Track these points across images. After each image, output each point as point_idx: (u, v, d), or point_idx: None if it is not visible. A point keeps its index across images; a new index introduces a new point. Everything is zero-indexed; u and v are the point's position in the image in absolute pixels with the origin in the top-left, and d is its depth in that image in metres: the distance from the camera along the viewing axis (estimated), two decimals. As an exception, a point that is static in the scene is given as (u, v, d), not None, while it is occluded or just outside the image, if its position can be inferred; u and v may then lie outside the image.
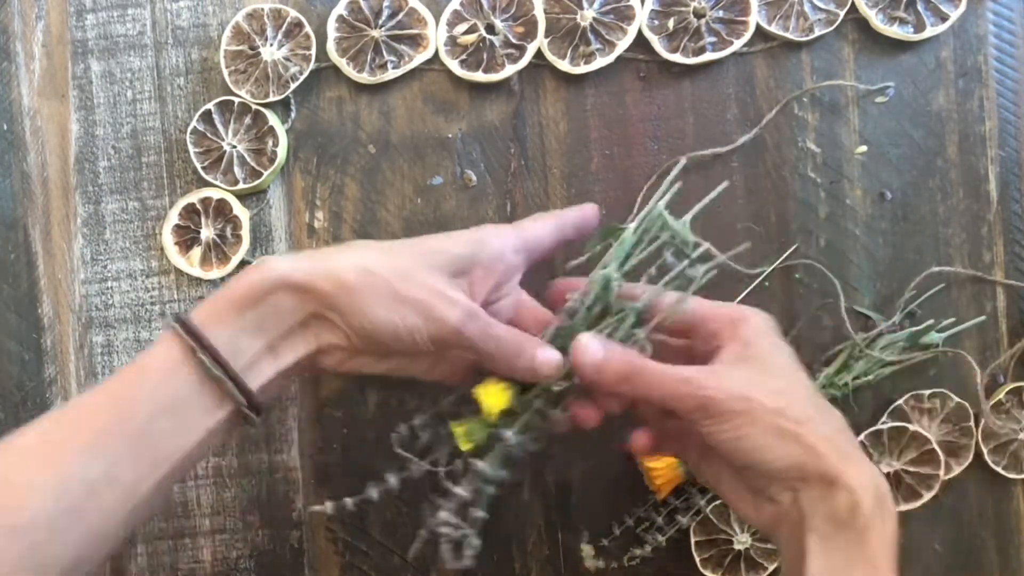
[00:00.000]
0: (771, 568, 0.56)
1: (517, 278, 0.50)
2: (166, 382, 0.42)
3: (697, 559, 0.56)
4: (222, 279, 0.58)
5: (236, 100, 0.57)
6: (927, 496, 0.56)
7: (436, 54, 0.57)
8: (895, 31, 0.56)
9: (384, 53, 0.57)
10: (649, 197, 0.53)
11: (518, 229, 0.49)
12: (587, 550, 0.58)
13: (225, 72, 0.57)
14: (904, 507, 0.56)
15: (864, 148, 0.57)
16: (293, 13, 0.57)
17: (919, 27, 0.56)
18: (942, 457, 0.56)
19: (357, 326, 0.43)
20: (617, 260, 0.47)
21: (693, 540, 0.56)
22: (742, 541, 0.56)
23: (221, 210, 0.58)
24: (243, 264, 0.58)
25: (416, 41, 0.57)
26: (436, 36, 0.57)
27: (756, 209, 0.57)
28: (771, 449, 0.42)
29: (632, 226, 0.48)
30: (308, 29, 0.57)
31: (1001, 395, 0.56)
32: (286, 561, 0.58)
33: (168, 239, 0.58)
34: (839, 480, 0.41)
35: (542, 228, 0.49)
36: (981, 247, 0.57)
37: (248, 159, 0.57)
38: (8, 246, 0.59)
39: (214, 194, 0.58)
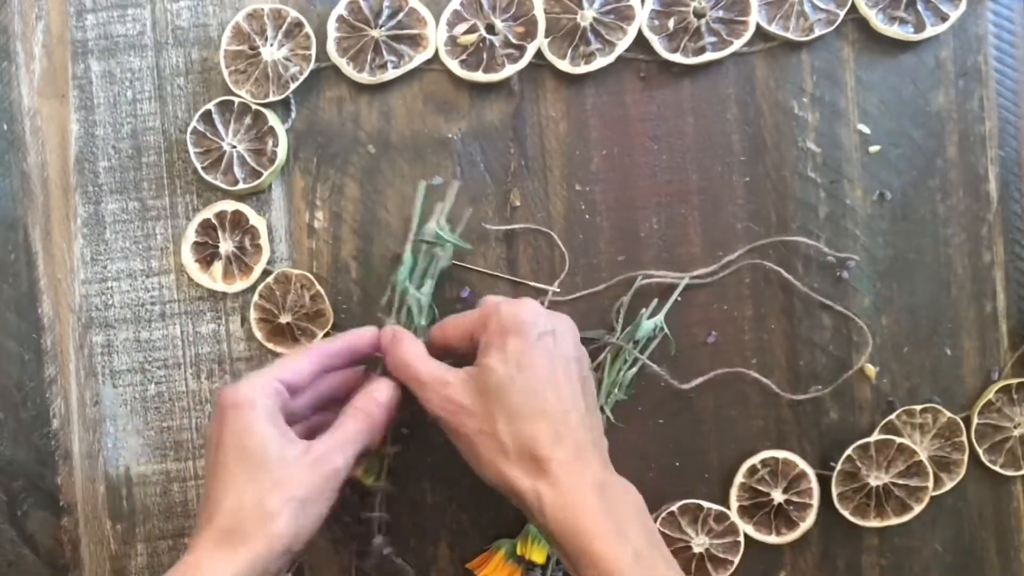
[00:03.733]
0: (736, 560, 0.56)
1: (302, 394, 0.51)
2: None
3: None
4: (247, 290, 0.58)
5: (236, 100, 0.57)
6: (917, 509, 0.56)
7: (436, 54, 0.57)
8: (895, 31, 0.56)
9: (384, 53, 0.57)
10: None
11: (274, 369, 0.49)
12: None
13: (225, 72, 0.57)
14: (894, 520, 0.56)
15: (877, 148, 0.57)
16: (293, 13, 0.57)
17: (919, 27, 0.56)
18: (930, 469, 0.56)
19: (303, 544, 0.47)
20: (407, 276, 0.54)
21: None
22: (700, 543, 0.56)
23: (237, 222, 0.58)
24: (266, 273, 0.58)
25: (416, 41, 0.57)
26: (436, 36, 0.57)
27: (756, 209, 0.57)
28: (477, 463, 0.48)
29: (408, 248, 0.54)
30: (308, 29, 0.57)
31: (991, 394, 0.56)
32: (286, 561, 0.58)
33: (188, 258, 0.58)
34: (514, 486, 0.46)
35: (299, 363, 0.50)
36: (981, 247, 0.57)
37: (248, 159, 0.57)
38: (8, 246, 0.59)
39: (228, 207, 0.58)
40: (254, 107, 0.57)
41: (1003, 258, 0.57)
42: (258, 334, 0.58)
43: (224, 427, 0.47)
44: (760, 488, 0.56)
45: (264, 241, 0.57)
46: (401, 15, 0.57)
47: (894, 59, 0.57)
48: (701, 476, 0.58)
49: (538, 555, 0.54)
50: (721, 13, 0.56)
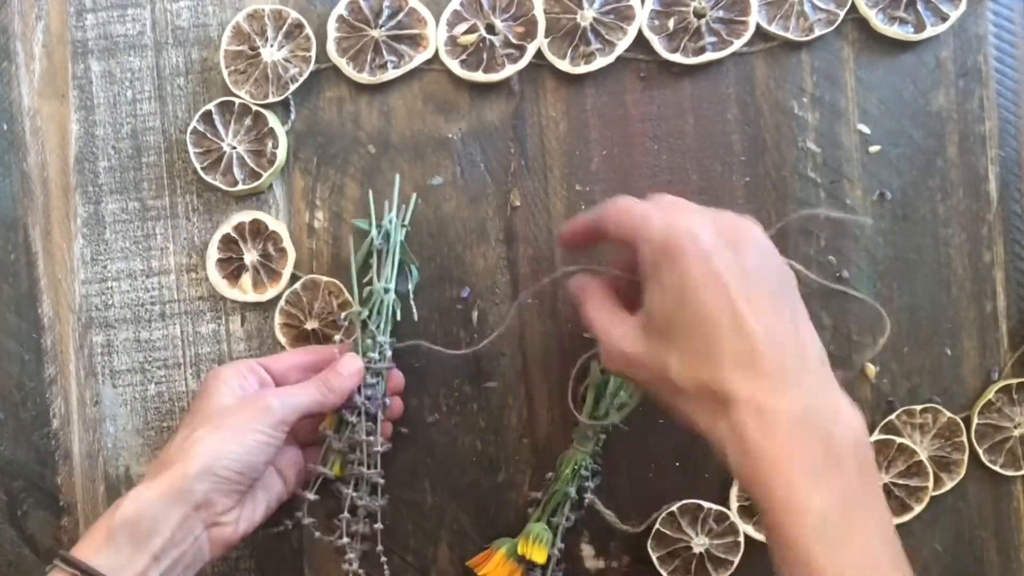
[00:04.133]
0: (736, 560, 0.56)
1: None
2: None
3: (664, 573, 0.56)
4: (278, 296, 0.58)
5: (236, 101, 0.57)
6: (917, 509, 0.56)
7: (436, 54, 0.57)
8: (895, 31, 0.56)
9: (384, 53, 0.57)
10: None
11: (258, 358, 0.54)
12: (587, 550, 0.58)
13: (225, 72, 0.57)
14: (894, 520, 0.56)
15: (877, 148, 0.57)
16: (294, 14, 0.57)
17: (919, 27, 0.56)
18: (930, 470, 0.56)
19: (234, 471, 0.48)
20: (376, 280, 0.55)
21: (654, 557, 0.56)
22: (700, 543, 0.56)
23: (257, 230, 0.57)
24: (295, 278, 0.57)
25: (416, 41, 0.57)
26: (436, 36, 0.57)
27: (756, 209, 0.57)
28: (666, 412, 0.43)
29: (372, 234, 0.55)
30: (308, 31, 0.57)
31: (991, 394, 0.56)
32: (286, 561, 0.58)
33: (215, 275, 0.58)
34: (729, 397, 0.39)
35: (281, 355, 0.55)
36: (981, 247, 0.57)
37: (248, 160, 0.57)
38: (8, 246, 0.59)
39: (244, 217, 0.57)
40: (254, 108, 0.57)
41: (1003, 258, 0.57)
42: (282, 339, 0.58)
43: (197, 395, 0.52)
44: (760, 488, 0.56)
45: (288, 244, 0.57)
46: (401, 15, 0.57)
47: (894, 59, 0.57)
48: (701, 476, 0.58)
49: (538, 555, 0.54)
50: (721, 13, 0.56)
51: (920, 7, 0.56)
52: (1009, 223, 0.57)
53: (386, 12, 0.57)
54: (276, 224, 0.57)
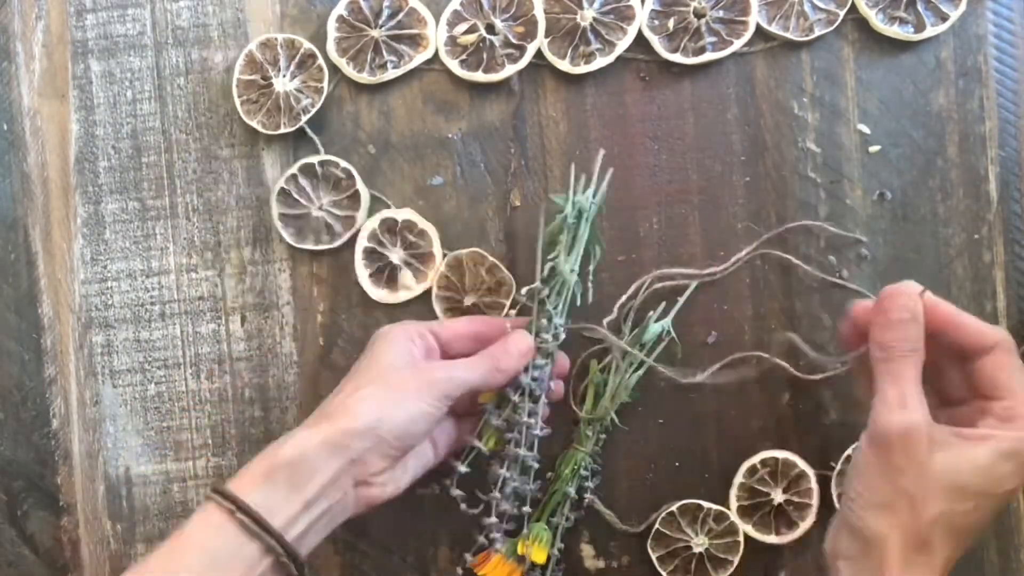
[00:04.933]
0: (735, 561, 0.56)
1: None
2: (209, 543, 0.44)
3: (664, 574, 0.56)
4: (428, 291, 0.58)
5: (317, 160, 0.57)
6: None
7: (436, 54, 0.57)
8: (895, 31, 0.56)
9: (384, 53, 0.57)
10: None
11: (429, 322, 0.54)
12: (587, 550, 0.58)
13: (237, 101, 0.57)
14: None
15: (877, 148, 0.57)
16: (307, 44, 0.57)
17: (919, 27, 0.56)
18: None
19: (394, 436, 0.48)
20: (567, 250, 0.53)
21: (654, 557, 0.56)
22: (699, 543, 0.56)
23: (388, 229, 0.57)
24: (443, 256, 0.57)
25: (416, 41, 0.57)
26: (436, 36, 0.57)
27: (756, 209, 0.57)
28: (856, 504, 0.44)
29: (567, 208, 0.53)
30: (321, 61, 0.57)
31: None
32: (286, 561, 0.58)
33: (373, 289, 0.57)
34: None
35: (454, 321, 0.54)
36: (981, 247, 0.57)
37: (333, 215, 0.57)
38: (8, 246, 0.59)
39: (373, 223, 0.57)
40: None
41: (1003, 258, 0.57)
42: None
43: (364, 353, 0.51)
44: (760, 488, 0.56)
45: (425, 225, 0.57)
46: (401, 15, 0.57)
47: (894, 59, 0.57)
48: (701, 476, 0.58)
49: (538, 555, 0.54)
50: (721, 13, 0.56)
51: (920, 7, 0.56)
52: (1009, 223, 0.57)
53: (386, 12, 0.57)
54: (403, 213, 0.57)
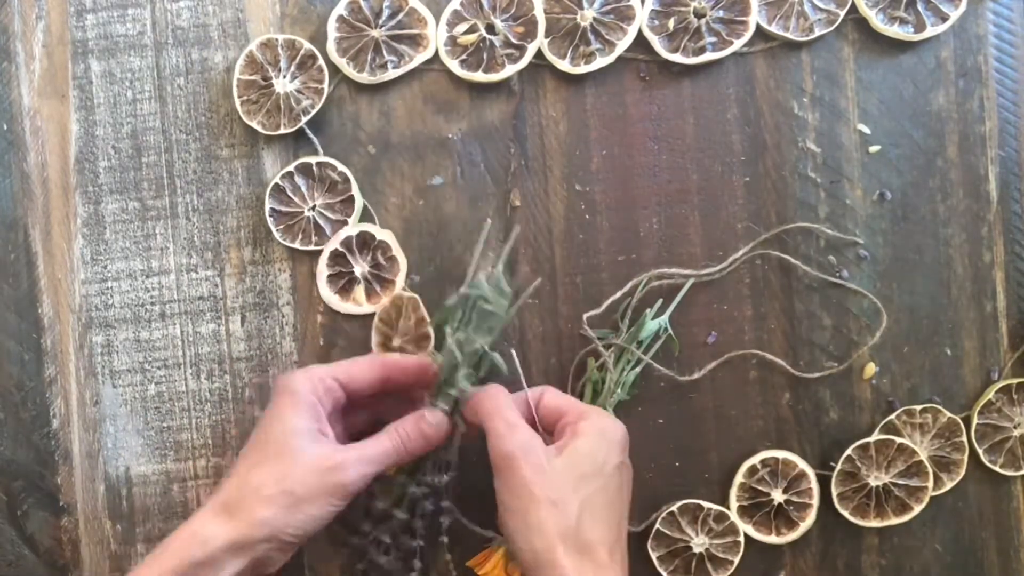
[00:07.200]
0: (736, 560, 0.56)
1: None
2: None
3: (664, 573, 0.56)
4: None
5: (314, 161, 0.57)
6: (917, 509, 0.56)
7: (436, 54, 0.57)
8: (895, 31, 0.56)
9: (384, 53, 0.57)
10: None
11: (336, 367, 0.52)
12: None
13: (237, 101, 0.57)
14: (894, 520, 0.56)
15: (877, 148, 0.57)
16: (307, 45, 0.56)
17: (919, 27, 0.56)
18: (930, 470, 0.56)
19: (298, 536, 0.49)
20: (452, 334, 0.52)
21: (654, 557, 0.56)
22: (700, 543, 0.56)
23: (364, 242, 0.57)
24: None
25: (416, 41, 0.57)
26: (436, 36, 0.57)
27: (756, 209, 0.57)
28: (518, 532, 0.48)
29: (453, 299, 0.53)
30: (321, 62, 0.57)
31: (991, 394, 0.56)
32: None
33: (327, 292, 0.57)
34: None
35: (362, 367, 0.53)
36: (981, 247, 0.57)
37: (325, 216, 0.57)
38: (8, 246, 0.59)
39: (352, 231, 0.57)
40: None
41: (1003, 258, 0.57)
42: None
43: (268, 410, 0.51)
44: (760, 488, 0.56)
45: (397, 252, 0.57)
46: (401, 15, 0.57)
47: (894, 59, 0.57)
48: (701, 476, 0.58)
49: None
50: (721, 13, 0.56)
51: (920, 7, 0.56)
52: (1009, 223, 0.57)
53: (386, 12, 0.57)
54: (383, 233, 0.57)
